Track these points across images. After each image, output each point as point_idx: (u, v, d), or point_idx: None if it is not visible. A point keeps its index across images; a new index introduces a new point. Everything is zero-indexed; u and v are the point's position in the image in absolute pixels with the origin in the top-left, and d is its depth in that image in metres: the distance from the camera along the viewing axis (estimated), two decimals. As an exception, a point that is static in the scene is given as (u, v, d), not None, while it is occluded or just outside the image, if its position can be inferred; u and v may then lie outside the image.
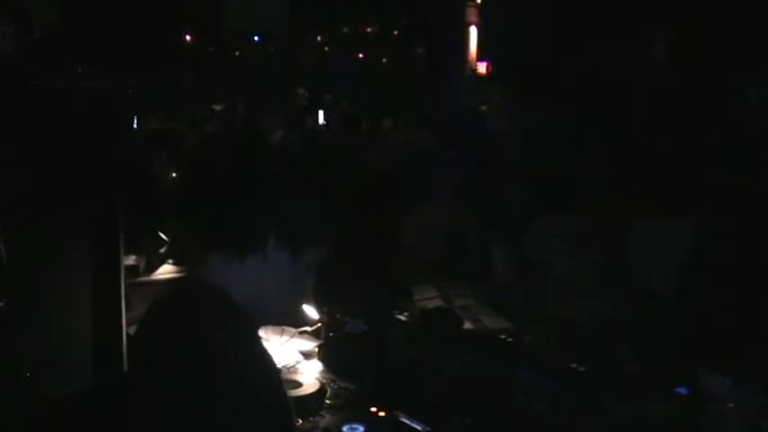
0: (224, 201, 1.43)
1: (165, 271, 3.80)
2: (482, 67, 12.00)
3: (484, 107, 8.29)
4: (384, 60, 18.51)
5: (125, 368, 2.43)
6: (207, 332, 1.36)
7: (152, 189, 4.50)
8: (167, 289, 1.51)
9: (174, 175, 4.83)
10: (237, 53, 19.19)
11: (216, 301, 1.41)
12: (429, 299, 3.23)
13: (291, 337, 2.84)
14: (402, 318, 2.88)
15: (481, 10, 10.56)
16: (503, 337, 2.76)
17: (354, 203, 4.94)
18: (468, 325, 2.93)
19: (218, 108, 12.10)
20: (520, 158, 5.15)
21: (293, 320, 2.62)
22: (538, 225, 3.48)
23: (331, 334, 2.74)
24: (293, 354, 2.75)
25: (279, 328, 2.92)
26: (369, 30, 19.21)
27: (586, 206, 3.85)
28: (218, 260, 1.42)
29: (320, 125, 11.42)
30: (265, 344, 2.57)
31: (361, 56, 18.88)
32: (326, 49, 20.12)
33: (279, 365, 2.63)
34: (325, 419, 2.26)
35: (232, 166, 1.47)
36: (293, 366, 2.66)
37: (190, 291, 1.47)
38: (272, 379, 1.37)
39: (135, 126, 7.59)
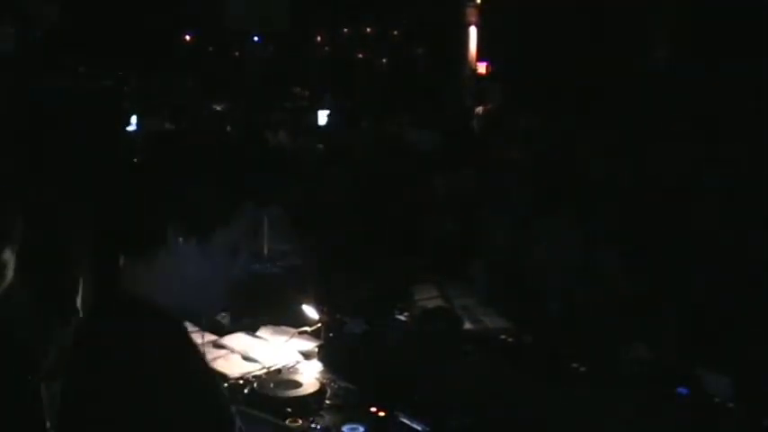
0: (116, 203, 1.39)
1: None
2: (482, 67, 12.03)
3: (480, 108, 8.29)
4: (384, 60, 18.51)
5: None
6: (130, 343, 1.30)
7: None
8: (93, 305, 1.47)
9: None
10: (237, 53, 19.16)
11: (135, 308, 1.34)
12: (429, 299, 3.23)
13: (291, 337, 2.84)
14: (402, 318, 2.87)
15: (481, 10, 10.57)
16: (503, 337, 2.76)
17: (354, 204, 4.95)
18: (468, 325, 2.93)
19: (218, 108, 12.07)
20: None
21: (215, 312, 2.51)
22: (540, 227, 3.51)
23: (331, 334, 2.74)
24: (293, 354, 2.75)
25: (278, 329, 2.92)
26: (368, 30, 19.22)
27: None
28: (128, 264, 1.37)
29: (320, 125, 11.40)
30: (265, 344, 2.54)
31: (360, 56, 18.90)
32: (326, 48, 20.12)
33: (278, 366, 2.64)
34: (325, 419, 2.25)
35: (125, 167, 1.44)
36: (293, 366, 2.65)
37: (109, 303, 1.40)
38: (204, 384, 1.33)
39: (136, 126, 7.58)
